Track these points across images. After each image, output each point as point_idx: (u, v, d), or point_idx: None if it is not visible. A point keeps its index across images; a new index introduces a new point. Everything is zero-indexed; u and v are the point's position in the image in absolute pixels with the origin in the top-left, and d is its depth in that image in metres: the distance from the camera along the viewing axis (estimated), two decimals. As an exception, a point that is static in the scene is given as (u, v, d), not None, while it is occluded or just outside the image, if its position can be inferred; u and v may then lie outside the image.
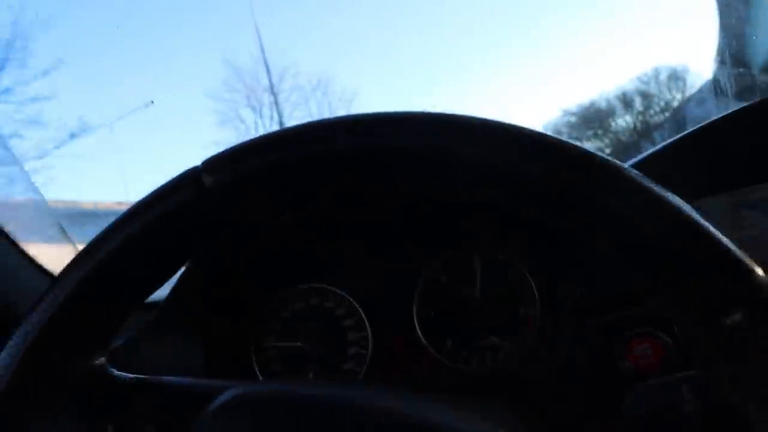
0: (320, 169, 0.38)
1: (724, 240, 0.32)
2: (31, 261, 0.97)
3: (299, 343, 0.96)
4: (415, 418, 0.36)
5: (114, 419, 0.41)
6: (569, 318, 0.87)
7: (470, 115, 0.37)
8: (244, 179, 0.38)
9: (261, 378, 0.95)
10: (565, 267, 0.84)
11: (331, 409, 0.36)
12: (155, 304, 0.91)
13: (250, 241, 0.89)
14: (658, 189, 0.33)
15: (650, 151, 0.87)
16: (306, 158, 0.37)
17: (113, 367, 0.44)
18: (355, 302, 0.97)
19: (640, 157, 0.87)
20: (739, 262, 0.31)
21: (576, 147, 0.35)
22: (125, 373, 0.43)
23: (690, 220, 0.32)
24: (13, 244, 0.94)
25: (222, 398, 0.38)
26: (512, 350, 0.93)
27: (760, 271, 0.31)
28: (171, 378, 0.42)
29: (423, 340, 0.95)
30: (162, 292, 0.89)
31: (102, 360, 0.42)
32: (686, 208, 0.33)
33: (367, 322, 0.97)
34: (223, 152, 0.39)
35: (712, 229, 0.32)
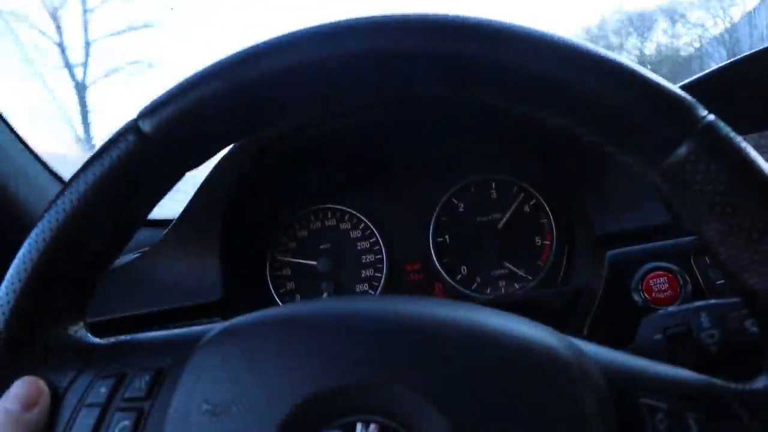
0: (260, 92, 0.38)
1: (663, 82, 0.34)
2: (44, 165, 0.97)
3: (314, 262, 0.96)
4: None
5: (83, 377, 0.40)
6: (586, 249, 0.86)
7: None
8: (181, 116, 0.38)
9: (275, 295, 0.96)
10: (583, 199, 0.83)
11: (330, 320, 0.37)
12: (166, 221, 0.92)
13: (269, 160, 0.88)
14: (592, 48, 0.34)
15: (703, 73, 0.83)
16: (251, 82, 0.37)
17: (88, 332, 0.43)
18: (371, 225, 0.97)
19: (693, 78, 0.84)
20: (678, 99, 0.33)
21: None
22: (101, 339, 0.43)
23: (628, 70, 0.34)
24: (27, 148, 0.94)
25: (213, 332, 0.38)
26: (527, 279, 0.94)
27: (700, 107, 0.33)
28: (149, 334, 0.42)
29: (438, 265, 0.95)
30: (171, 211, 0.90)
31: (79, 326, 0.42)
32: (621, 60, 0.34)
33: (382, 245, 0.97)
34: (155, 98, 0.39)
35: (649, 74, 0.34)
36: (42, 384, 0.38)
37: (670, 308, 0.58)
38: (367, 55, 0.36)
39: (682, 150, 0.33)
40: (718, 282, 0.72)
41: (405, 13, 0.36)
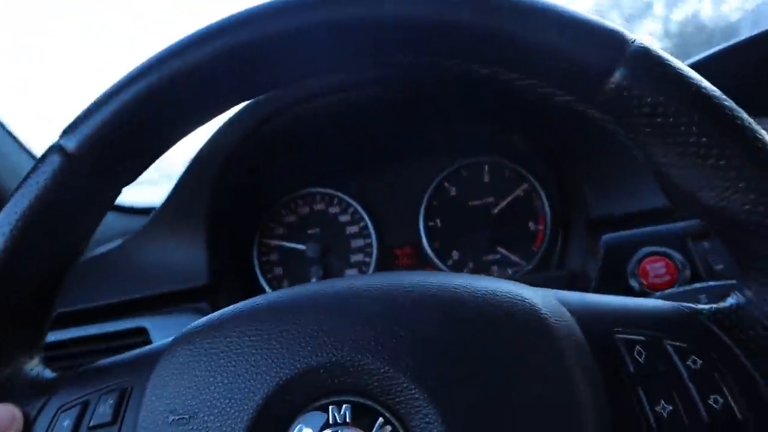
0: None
1: (586, 15, 0.34)
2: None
3: (302, 246, 0.94)
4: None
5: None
6: (580, 233, 0.85)
7: None
8: (104, 129, 0.36)
9: (263, 280, 0.94)
10: (578, 182, 0.81)
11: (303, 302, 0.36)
12: (147, 209, 0.90)
13: (257, 144, 0.87)
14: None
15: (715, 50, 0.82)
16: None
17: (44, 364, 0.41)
18: (361, 209, 0.96)
19: (702, 55, 0.82)
20: (603, 29, 0.33)
21: None
22: (56, 372, 0.41)
23: (549, 8, 0.33)
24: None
25: (170, 342, 0.37)
26: (520, 264, 0.92)
27: (627, 34, 0.33)
28: (109, 359, 0.40)
29: (428, 250, 0.94)
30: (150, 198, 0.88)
31: (35, 362, 0.40)
32: (544, 3, 0.34)
33: (372, 230, 0.95)
34: (77, 113, 0.37)
35: (570, 10, 0.34)
36: (17, 411, 0.37)
37: (668, 291, 0.57)
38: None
39: (616, 78, 0.32)
40: (717, 267, 0.71)
41: None
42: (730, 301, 0.35)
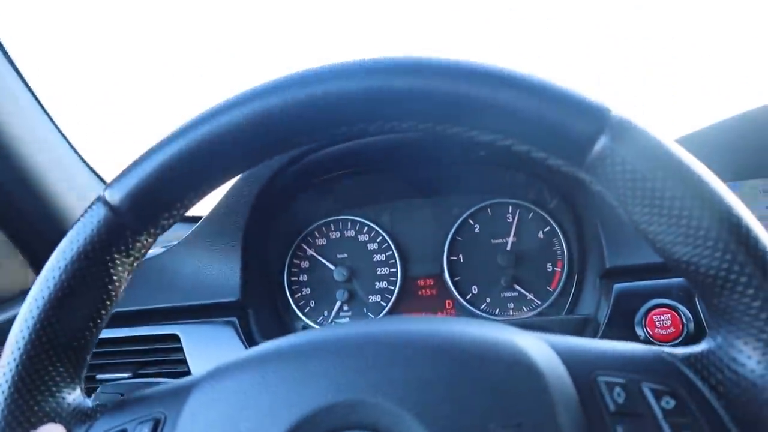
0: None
1: (572, 88, 0.37)
2: (85, 163, 1.01)
3: (331, 269, 0.99)
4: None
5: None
6: (595, 279, 0.88)
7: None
8: (146, 182, 0.40)
9: (291, 299, 0.99)
10: (597, 231, 0.85)
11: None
12: (194, 218, 0.94)
13: (295, 173, 0.91)
14: (505, 69, 0.38)
15: (699, 128, 0.86)
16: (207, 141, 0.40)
17: (87, 397, 0.45)
18: (388, 238, 1.00)
19: (691, 132, 0.87)
20: (586, 101, 0.37)
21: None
22: (99, 402, 0.45)
23: (538, 83, 0.37)
24: (69, 144, 0.98)
25: (202, 376, 0.40)
26: (536, 303, 0.96)
27: (609, 105, 0.37)
28: (145, 391, 0.44)
29: (449, 283, 0.98)
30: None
31: (75, 393, 0.44)
32: (532, 75, 0.38)
33: (397, 259, 1.00)
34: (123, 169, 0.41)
35: (558, 83, 0.37)
36: (62, 430, 0.41)
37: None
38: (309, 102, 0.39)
39: (599, 146, 0.36)
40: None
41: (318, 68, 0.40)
42: (703, 346, 0.38)
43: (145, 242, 0.43)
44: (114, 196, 0.40)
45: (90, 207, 0.41)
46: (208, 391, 0.39)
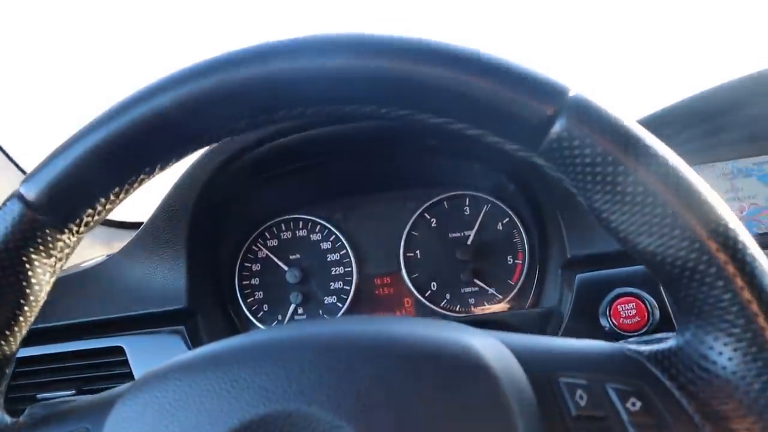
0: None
1: (527, 68, 0.35)
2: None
3: (283, 271, 0.95)
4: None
5: None
6: (557, 270, 0.86)
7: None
8: (63, 176, 0.37)
9: (243, 304, 0.95)
10: (557, 220, 0.82)
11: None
12: (137, 224, 0.90)
13: (237, 171, 0.87)
14: (457, 46, 0.35)
15: (660, 109, 0.84)
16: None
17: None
18: (342, 237, 0.96)
19: (652, 113, 0.84)
20: (543, 82, 0.34)
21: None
22: (20, 419, 0.42)
23: (493, 62, 0.34)
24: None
25: (126, 388, 0.38)
26: (497, 297, 0.93)
27: (565, 86, 0.34)
28: (67, 402, 0.41)
29: (407, 280, 0.94)
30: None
31: None
32: (486, 53, 0.35)
33: (352, 258, 0.96)
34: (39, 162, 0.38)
35: (513, 62, 0.35)
36: None
37: (633, 338, 0.57)
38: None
39: (555, 129, 0.34)
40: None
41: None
42: (670, 343, 0.35)
43: (67, 241, 0.39)
44: (30, 191, 0.37)
45: (4, 203, 0.38)
46: (131, 403, 0.36)
